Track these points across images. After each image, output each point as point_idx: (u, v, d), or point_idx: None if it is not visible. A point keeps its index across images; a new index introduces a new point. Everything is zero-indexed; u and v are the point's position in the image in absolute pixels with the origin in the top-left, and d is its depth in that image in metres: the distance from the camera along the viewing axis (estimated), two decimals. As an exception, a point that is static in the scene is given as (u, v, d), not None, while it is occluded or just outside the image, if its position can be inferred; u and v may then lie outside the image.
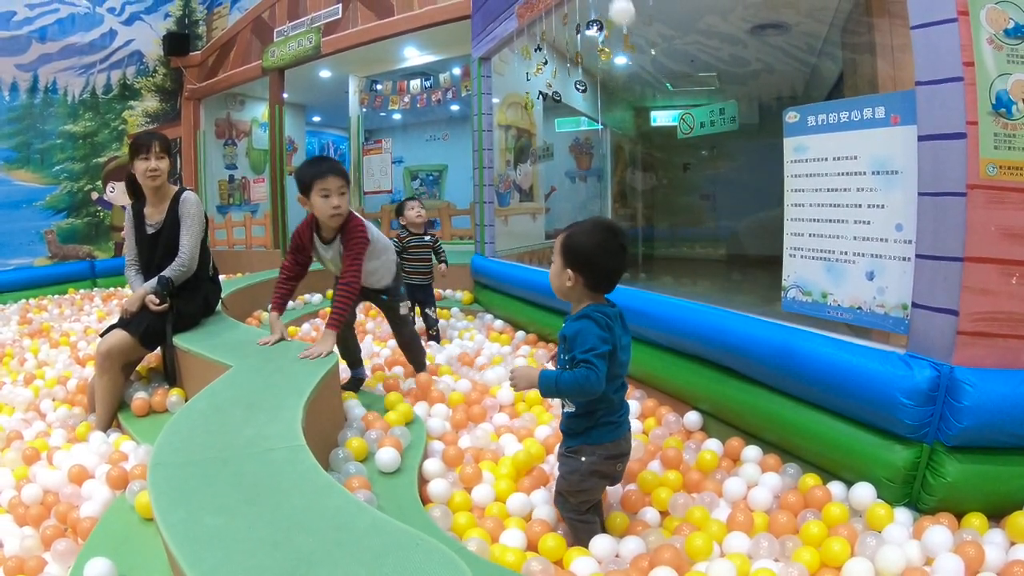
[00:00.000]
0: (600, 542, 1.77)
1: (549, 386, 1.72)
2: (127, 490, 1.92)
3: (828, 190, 2.20)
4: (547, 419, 2.69)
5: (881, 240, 2.02)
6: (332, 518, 1.20)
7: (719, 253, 8.31)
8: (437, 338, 4.29)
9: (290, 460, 1.50)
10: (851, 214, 2.12)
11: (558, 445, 1.91)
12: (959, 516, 1.79)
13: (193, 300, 2.98)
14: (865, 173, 2.06)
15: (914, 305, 1.87)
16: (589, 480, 1.79)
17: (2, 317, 5.72)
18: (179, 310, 2.90)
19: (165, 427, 1.73)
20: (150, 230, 2.98)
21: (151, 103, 8.91)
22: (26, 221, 7.71)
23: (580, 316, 1.73)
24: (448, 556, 1.06)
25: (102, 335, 2.83)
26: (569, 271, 1.76)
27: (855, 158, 2.10)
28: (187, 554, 1.10)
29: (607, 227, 1.76)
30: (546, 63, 4.26)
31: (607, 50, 3.62)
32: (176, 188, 3.03)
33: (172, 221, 2.94)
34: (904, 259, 1.95)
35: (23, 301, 6.66)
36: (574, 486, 1.81)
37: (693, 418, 2.63)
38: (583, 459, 1.78)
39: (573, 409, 1.79)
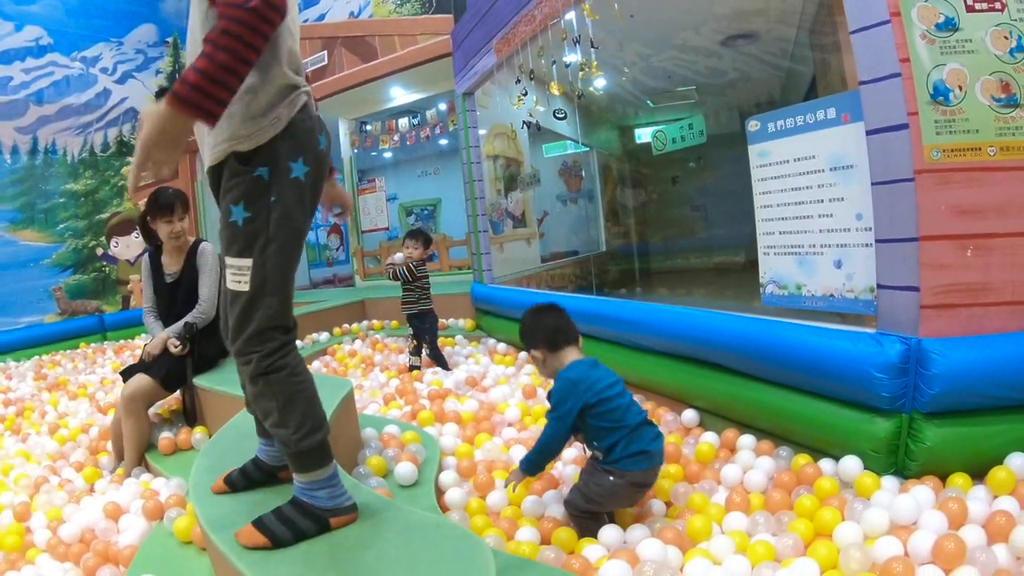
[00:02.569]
0: (608, 532, 1.88)
1: (528, 462, 1.99)
2: (164, 518, 2.04)
3: (792, 189, 2.36)
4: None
5: (844, 230, 2.18)
6: (361, 511, 1.34)
7: (715, 262, 8.41)
8: (445, 365, 4.37)
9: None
10: (815, 209, 2.28)
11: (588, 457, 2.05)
12: (944, 479, 1.90)
13: (212, 344, 3.12)
14: (824, 170, 2.23)
15: (879, 286, 2.01)
16: (611, 499, 1.95)
17: (17, 374, 5.84)
18: (200, 353, 3.05)
19: (199, 454, 1.86)
20: (168, 279, 3.12)
21: (148, 158, 9.14)
22: (34, 280, 7.89)
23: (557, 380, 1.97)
24: (465, 532, 1.19)
25: (121, 373, 2.99)
26: (533, 351, 2.03)
27: (813, 157, 2.26)
28: (236, 552, 1.24)
29: (533, 305, 2.10)
30: (526, 94, 4.44)
31: (590, 68, 3.74)
32: (193, 240, 3.19)
33: (190, 271, 3.10)
34: (867, 245, 2.10)
35: (36, 358, 6.79)
36: (594, 496, 1.94)
37: (690, 415, 2.74)
38: (611, 478, 1.92)
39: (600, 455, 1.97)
